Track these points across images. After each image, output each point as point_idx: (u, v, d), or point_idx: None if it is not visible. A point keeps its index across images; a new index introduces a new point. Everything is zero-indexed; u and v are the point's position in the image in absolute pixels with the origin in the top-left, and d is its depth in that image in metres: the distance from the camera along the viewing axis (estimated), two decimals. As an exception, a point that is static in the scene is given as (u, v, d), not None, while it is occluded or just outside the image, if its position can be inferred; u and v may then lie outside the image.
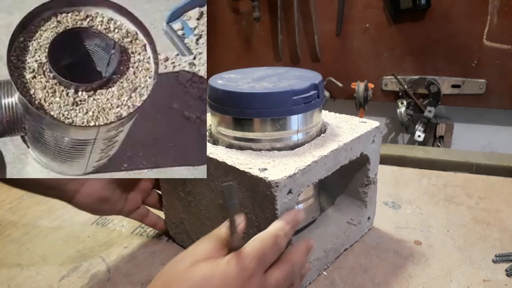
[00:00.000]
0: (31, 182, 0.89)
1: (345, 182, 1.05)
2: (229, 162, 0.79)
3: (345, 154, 0.88)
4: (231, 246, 0.66)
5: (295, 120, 0.84)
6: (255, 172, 0.75)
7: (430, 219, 1.13)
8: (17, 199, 1.27)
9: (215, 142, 0.92)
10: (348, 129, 0.94)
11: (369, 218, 1.05)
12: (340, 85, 2.23)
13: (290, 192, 0.76)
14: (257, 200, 0.76)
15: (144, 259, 0.99)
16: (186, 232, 0.98)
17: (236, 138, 0.87)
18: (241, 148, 0.86)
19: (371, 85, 2.12)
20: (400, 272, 0.92)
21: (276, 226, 0.69)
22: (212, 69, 2.73)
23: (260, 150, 0.85)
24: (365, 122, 0.97)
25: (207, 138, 0.95)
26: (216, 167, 0.82)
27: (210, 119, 0.94)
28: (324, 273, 0.93)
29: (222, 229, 0.67)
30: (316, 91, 0.85)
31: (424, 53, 2.10)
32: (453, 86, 2.07)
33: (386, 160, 1.50)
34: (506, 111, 2.05)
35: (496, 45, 1.95)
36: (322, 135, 0.91)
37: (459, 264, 0.95)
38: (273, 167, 0.76)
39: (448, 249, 1.00)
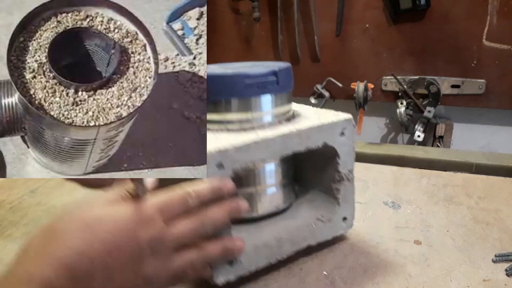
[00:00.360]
0: None
1: (319, 176, 1.04)
2: None
3: (300, 141, 0.88)
4: (135, 196, 0.67)
5: (249, 103, 0.89)
6: None
7: (430, 219, 1.13)
8: (18, 198, 1.27)
9: None
10: (314, 119, 0.94)
11: (345, 218, 1.02)
12: (340, 85, 2.23)
13: (221, 166, 0.78)
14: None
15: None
16: None
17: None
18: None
19: (370, 85, 2.11)
20: (400, 272, 0.93)
21: (191, 185, 0.71)
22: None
23: (217, 131, 0.88)
24: (338, 115, 0.97)
25: None
26: None
27: None
28: (324, 272, 0.93)
29: (129, 183, 0.68)
30: (274, 78, 0.88)
31: (424, 53, 2.10)
32: (453, 86, 2.07)
33: (386, 160, 1.51)
34: (505, 111, 2.05)
35: (496, 45, 1.95)
36: (284, 122, 0.93)
37: (459, 263, 0.95)
38: (209, 143, 0.79)
39: (448, 248, 1.00)
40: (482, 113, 2.12)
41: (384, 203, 1.21)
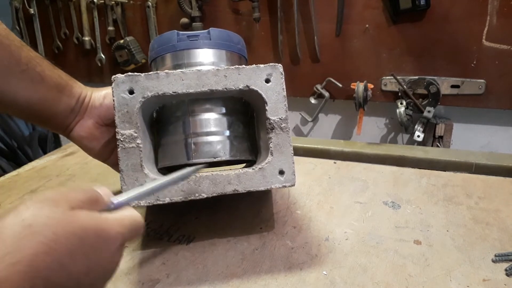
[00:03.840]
0: (50, 119, 1.06)
1: (262, 131, 1.04)
2: None
3: (216, 79, 0.95)
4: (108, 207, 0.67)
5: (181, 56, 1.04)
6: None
7: (430, 219, 1.13)
8: (19, 198, 1.28)
9: None
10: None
11: (282, 172, 0.98)
12: (340, 85, 2.23)
13: (131, 91, 0.91)
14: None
15: (144, 258, 1.00)
16: None
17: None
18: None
19: (370, 86, 2.12)
20: (400, 272, 0.93)
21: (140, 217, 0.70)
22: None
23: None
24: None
25: None
26: None
27: None
28: (324, 272, 0.93)
29: (93, 190, 0.66)
30: (206, 34, 1.05)
31: (424, 53, 2.10)
32: (453, 86, 2.07)
33: (385, 160, 1.51)
34: (505, 111, 2.05)
35: (496, 45, 1.95)
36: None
37: (459, 263, 0.95)
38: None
39: (447, 248, 1.01)
40: (481, 113, 2.13)
41: (384, 203, 1.21)
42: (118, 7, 2.62)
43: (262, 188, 0.98)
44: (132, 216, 0.68)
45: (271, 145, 0.98)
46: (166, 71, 0.92)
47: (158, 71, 0.92)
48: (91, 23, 2.73)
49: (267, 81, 0.96)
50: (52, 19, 2.82)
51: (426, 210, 1.18)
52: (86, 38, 2.74)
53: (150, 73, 0.92)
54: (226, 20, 2.37)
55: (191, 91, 0.93)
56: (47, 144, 3.12)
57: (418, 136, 2.10)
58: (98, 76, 2.87)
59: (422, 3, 1.98)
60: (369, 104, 2.10)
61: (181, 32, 1.02)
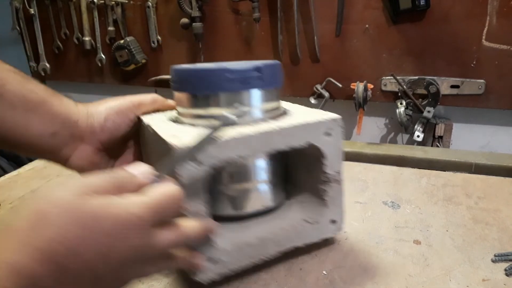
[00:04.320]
0: (28, 147, 0.90)
1: (309, 177, 1.03)
2: (157, 131, 0.85)
3: (281, 139, 0.88)
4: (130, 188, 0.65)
5: (227, 97, 0.89)
6: (167, 138, 0.79)
7: (429, 219, 1.13)
8: (19, 198, 1.28)
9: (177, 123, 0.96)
10: (299, 117, 0.94)
11: (334, 221, 1.01)
12: (340, 85, 2.22)
13: (199, 162, 0.78)
14: (166, 164, 0.75)
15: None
16: None
17: (185, 115, 0.93)
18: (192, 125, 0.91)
19: (370, 86, 2.11)
20: (400, 272, 0.93)
21: (178, 190, 0.68)
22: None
23: (204, 125, 0.88)
24: (325, 115, 0.95)
25: (172, 123, 0.97)
26: (154, 136, 0.87)
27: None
28: (324, 272, 0.93)
29: (122, 172, 0.66)
30: (258, 73, 0.88)
31: (423, 53, 2.10)
32: (452, 86, 2.07)
33: (385, 160, 1.51)
34: (505, 111, 2.05)
35: (496, 45, 1.95)
36: (270, 120, 0.92)
37: (458, 263, 0.95)
38: (187, 137, 0.79)
39: (447, 248, 1.01)
40: (481, 113, 2.12)
41: (384, 203, 1.21)
42: (118, 7, 2.61)
43: (316, 240, 1.00)
44: (164, 193, 0.65)
45: (326, 197, 0.99)
46: (235, 136, 0.82)
47: (227, 139, 0.82)
48: (91, 23, 2.72)
49: (327, 134, 0.93)
50: (52, 19, 2.82)
51: (426, 210, 1.18)
52: (86, 38, 2.74)
53: (214, 138, 0.78)
54: (226, 20, 2.37)
55: (256, 153, 0.89)
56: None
57: (418, 136, 2.10)
58: (98, 76, 2.87)
59: (422, 3, 1.98)
60: (369, 104, 2.10)
61: (228, 67, 0.88)
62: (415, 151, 1.56)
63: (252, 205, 0.99)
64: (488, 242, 1.03)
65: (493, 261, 0.96)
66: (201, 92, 0.90)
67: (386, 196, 1.25)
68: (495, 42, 1.95)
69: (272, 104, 0.95)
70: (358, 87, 2.06)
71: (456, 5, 1.96)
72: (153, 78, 2.75)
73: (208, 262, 0.85)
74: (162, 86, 2.74)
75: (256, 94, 0.90)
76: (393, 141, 2.37)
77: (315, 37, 2.24)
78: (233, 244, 0.88)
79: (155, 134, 0.86)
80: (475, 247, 1.01)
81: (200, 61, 2.61)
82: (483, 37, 1.96)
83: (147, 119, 0.96)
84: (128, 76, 2.81)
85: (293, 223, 0.99)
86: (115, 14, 2.65)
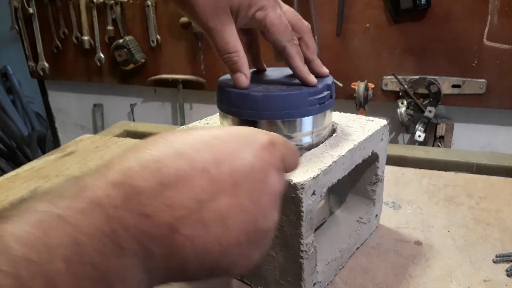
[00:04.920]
0: None
1: (353, 181, 1.04)
2: None
3: (360, 153, 0.88)
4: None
5: (309, 121, 0.83)
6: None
7: (431, 219, 1.12)
8: (17, 199, 1.27)
9: None
10: (358, 128, 0.94)
11: (376, 215, 1.05)
12: (341, 85, 2.22)
13: (313, 193, 0.74)
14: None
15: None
16: None
17: None
18: None
19: (371, 85, 2.12)
20: (401, 273, 0.92)
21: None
22: (212, 70, 2.71)
23: None
24: (372, 121, 0.97)
25: None
26: None
27: (220, 121, 0.92)
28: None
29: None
30: (329, 92, 0.85)
31: (424, 53, 2.10)
32: (453, 86, 2.07)
33: (386, 160, 1.51)
34: (506, 110, 2.05)
35: (497, 45, 1.94)
36: (334, 135, 0.91)
37: (460, 264, 0.94)
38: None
39: (448, 249, 1.00)
40: (483, 113, 2.12)
41: (385, 203, 1.20)
42: (117, 7, 2.62)
43: (367, 236, 1.03)
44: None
45: (374, 196, 1.01)
46: (334, 160, 0.79)
47: (330, 163, 0.78)
48: (90, 22, 2.73)
49: (381, 140, 0.96)
50: (51, 19, 2.82)
51: (427, 210, 1.17)
52: (85, 38, 2.75)
53: (324, 167, 0.76)
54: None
55: (345, 173, 0.85)
56: (46, 144, 3.13)
57: (419, 136, 2.10)
58: (97, 76, 2.88)
59: (422, 2, 1.98)
60: (370, 103, 2.10)
61: (307, 89, 0.82)
62: (416, 151, 1.55)
63: (317, 220, 0.96)
64: (490, 242, 1.02)
65: (494, 261, 0.95)
66: (278, 118, 0.82)
67: (387, 197, 1.24)
68: (496, 41, 1.95)
69: (330, 118, 0.93)
70: (359, 86, 2.06)
71: (457, 4, 1.96)
72: (153, 78, 2.75)
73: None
74: (161, 86, 2.74)
75: (327, 114, 0.88)
76: (394, 141, 2.37)
77: (316, 37, 2.24)
78: (325, 263, 0.88)
79: None
80: (477, 248, 1.00)
81: (199, 60, 2.61)
82: (484, 36, 1.96)
83: None
84: (127, 75, 2.81)
85: (352, 227, 1.00)
86: (114, 13, 2.65)
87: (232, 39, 0.77)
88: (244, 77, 0.81)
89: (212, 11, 0.76)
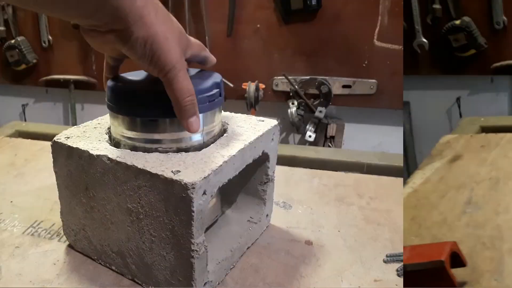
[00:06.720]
0: None
1: (243, 181, 1.04)
2: (140, 165, 0.75)
3: (250, 153, 0.87)
4: None
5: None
6: (168, 174, 0.72)
7: (321, 219, 1.12)
8: None
9: (117, 145, 0.85)
10: (249, 128, 0.93)
11: (267, 215, 1.05)
12: (231, 85, 2.22)
13: (204, 193, 0.73)
14: (171, 202, 0.73)
15: (35, 258, 0.95)
16: (87, 238, 0.92)
17: (141, 140, 0.82)
18: (146, 151, 0.81)
19: (262, 86, 2.12)
20: (292, 272, 0.91)
21: None
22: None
23: (167, 152, 0.81)
24: (263, 121, 0.97)
25: (108, 141, 0.88)
26: (125, 171, 0.77)
27: (110, 122, 0.87)
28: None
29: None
30: (218, 90, 0.84)
31: (315, 53, 2.11)
32: (344, 86, 2.09)
33: (277, 160, 1.50)
34: (396, 111, 2.08)
35: (387, 45, 1.98)
36: (225, 135, 0.90)
37: (350, 264, 0.94)
38: (185, 169, 0.74)
39: (339, 249, 0.99)
40: (373, 113, 2.16)
41: (276, 203, 1.19)
42: (9, 7, 2.59)
43: (258, 236, 1.03)
44: None
45: (265, 196, 1.01)
46: (225, 160, 0.78)
47: (220, 163, 0.77)
48: (-19, 23, 2.67)
49: (272, 140, 0.96)
50: None
51: (318, 210, 1.17)
52: (-25, 38, 2.69)
53: (215, 167, 0.74)
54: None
55: (236, 173, 0.84)
56: None
57: (310, 136, 2.11)
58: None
59: (313, 3, 1.99)
60: (261, 104, 2.11)
61: (196, 87, 0.79)
62: (306, 151, 1.55)
63: (209, 219, 0.96)
64: (380, 242, 1.02)
65: (385, 261, 0.95)
66: (161, 116, 0.80)
67: (277, 196, 1.23)
68: (387, 42, 1.98)
69: (220, 117, 0.91)
70: (250, 87, 2.06)
71: (348, 5, 1.99)
72: (44, 78, 2.71)
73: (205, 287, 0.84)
74: (53, 86, 2.70)
75: (216, 112, 0.86)
76: (285, 141, 2.38)
77: (206, 37, 2.23)
78: (216, 263, 0.87)
79: (134, 170, 0.76)
80: (367, 248, 1.00)
81: (91, 61, 2.58)
82: (375, 37, 1.99)
83: (81, 145, 0.87)
84: (19, 76, 2.77)
85: (243, 226, 1.00)
86: (6, 14, 2.60)
87: (189, 80, 0.77)
88: (198, 121, 0.79)
89: (180, 53, 0.77)
